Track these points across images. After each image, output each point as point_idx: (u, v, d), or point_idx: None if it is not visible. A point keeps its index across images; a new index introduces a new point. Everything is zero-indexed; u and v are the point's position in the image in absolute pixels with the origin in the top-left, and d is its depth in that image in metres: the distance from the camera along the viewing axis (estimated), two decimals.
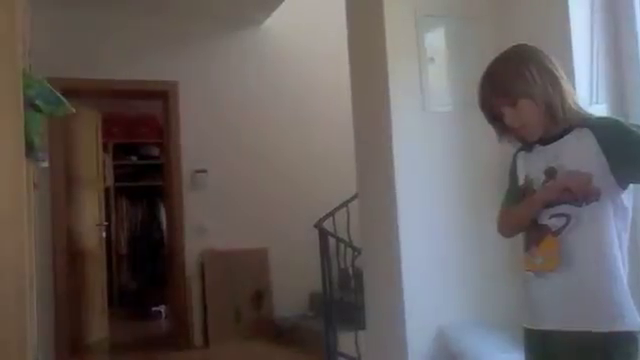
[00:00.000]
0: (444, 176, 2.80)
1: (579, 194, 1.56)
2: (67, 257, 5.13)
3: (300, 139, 5.76)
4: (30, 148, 2.18)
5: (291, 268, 5.41)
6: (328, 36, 5.31)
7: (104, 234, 6.25)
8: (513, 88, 1.66)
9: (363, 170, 3.09)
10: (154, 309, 6.91)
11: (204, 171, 5.49)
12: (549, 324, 1.65)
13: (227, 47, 5.69)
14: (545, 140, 1.70)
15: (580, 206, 1.58)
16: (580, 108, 1.69)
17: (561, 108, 1.64)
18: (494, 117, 1.74)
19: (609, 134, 1.59)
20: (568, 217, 1.60)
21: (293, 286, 5.44)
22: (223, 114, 5.59)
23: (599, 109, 2.35)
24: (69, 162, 5.35)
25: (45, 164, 2.66)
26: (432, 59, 2.83)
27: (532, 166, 1.73)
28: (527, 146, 1.76)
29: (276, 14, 5.65)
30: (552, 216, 1.64)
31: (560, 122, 1.66)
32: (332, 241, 4.25)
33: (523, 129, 1.70)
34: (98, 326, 5.83)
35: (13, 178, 1.99)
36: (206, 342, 5.29)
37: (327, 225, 4.18)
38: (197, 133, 5.49)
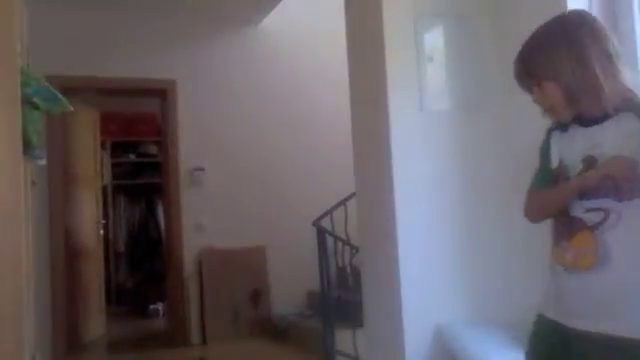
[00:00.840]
0: (442, 175, 2.80)
1: (622, 181, 1.39)
2: (65, 255, 5.13)
3: (298, 138, 5.77)
4: (28, 146, 2.17)
5: (289, 266, 5.42)
6: (326, 35, 5.32)
7: (102, 232, 6.25)
8: (537, 69, 1.56)
9: (361, 168, 3.09)
10: (152, 307, 6.90)
11: (202, 169, 5.49)
12: (577, 323, 1.51)
13: (225, 46, 5.70)
14: (583, 121, 1.53)
15: (621, 201, 1.42)
16: (627, 90, 1.51)
17: (594, 91, 1.48)
18: (530, 92, 1.62)
19: None
20: (607, 212, 1.45)
21: (291, 284, 5.45)
22: (221, 112, 5.59)
23: None
24: (67, 160, 5.34)
25: (43, 162, 2.65)
26: (430, 58, 2.82)
27: (567, 150, 1.56)
28: (562, 125, 1.60)
29: (273, 14, 5.65)
30: (588, 210, 1.48)
31: (594, 106, 1.50)
32: (330, 239, 4.25)
33: (551, 111, 1.58)
34: (96, 324, 5.84)
35: (10, 176, 1.98)
36: (204, 340, 5.29)
37: (325, 223, 4.19)
38: (195, 131, 5.49)
